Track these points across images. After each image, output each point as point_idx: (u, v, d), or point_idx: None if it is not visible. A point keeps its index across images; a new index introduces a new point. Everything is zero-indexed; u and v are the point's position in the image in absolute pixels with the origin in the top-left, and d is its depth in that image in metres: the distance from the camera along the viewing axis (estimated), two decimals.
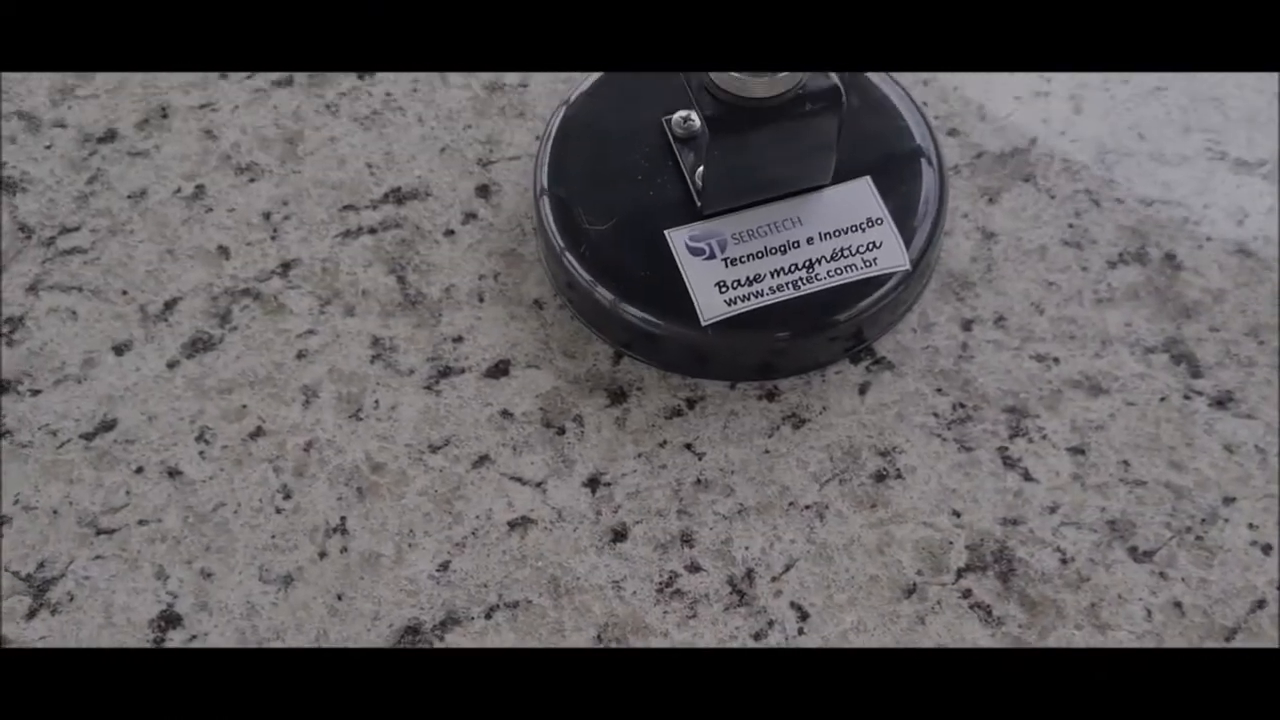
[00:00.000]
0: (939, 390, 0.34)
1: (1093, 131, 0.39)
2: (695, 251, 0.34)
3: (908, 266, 0.34)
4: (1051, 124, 0.39)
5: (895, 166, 0.36)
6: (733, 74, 0.31)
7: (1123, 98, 0.39)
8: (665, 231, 0.34)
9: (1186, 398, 0.34)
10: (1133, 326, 0.35)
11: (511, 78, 0.40)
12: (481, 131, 0.39)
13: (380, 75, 0.40)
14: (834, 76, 0.32)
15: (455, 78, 0.40)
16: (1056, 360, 0.35)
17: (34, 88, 0.40)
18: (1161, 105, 0.39)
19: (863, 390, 0.34)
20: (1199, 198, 0.37)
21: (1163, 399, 0.34)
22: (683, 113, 0.35)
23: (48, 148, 0.39)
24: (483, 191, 0.38)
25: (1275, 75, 0.40)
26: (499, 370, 0.35)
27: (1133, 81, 0.40)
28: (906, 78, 0.39)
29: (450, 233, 0.37)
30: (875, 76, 0.36)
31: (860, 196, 0.35)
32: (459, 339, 0.35)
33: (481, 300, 0.36)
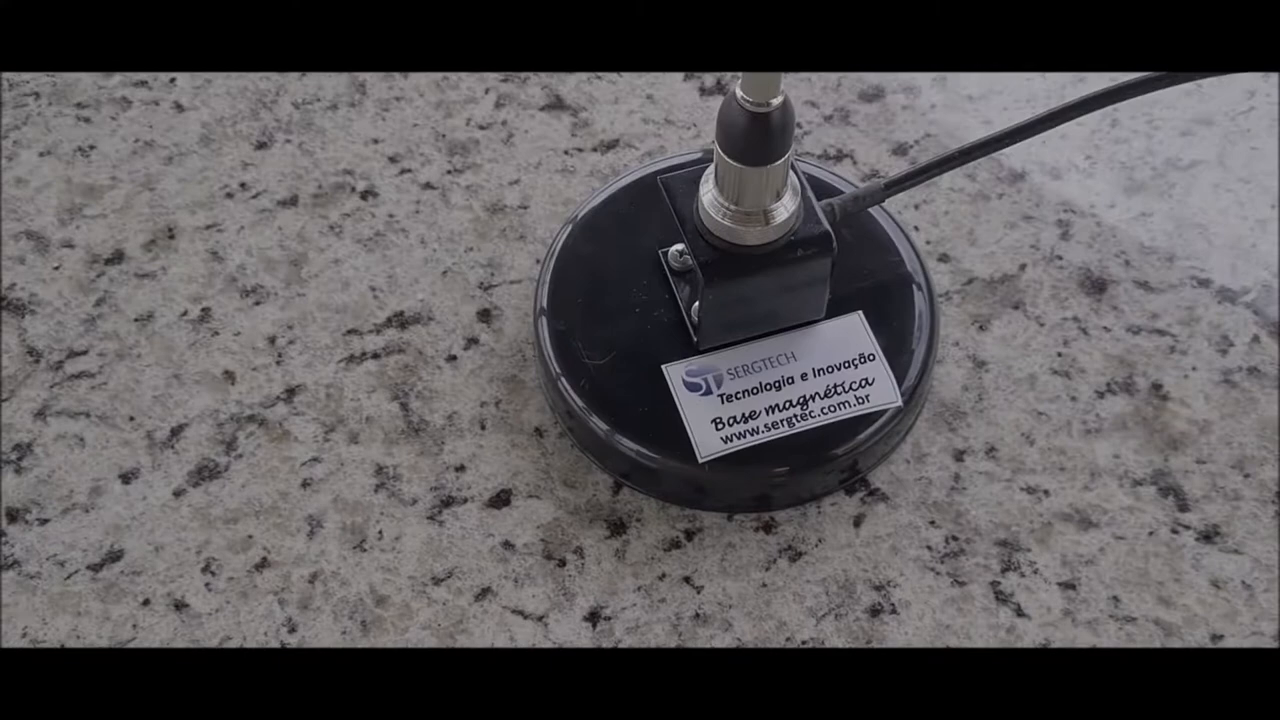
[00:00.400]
0: (932, 523, 0.35)
1: (1080, 258, 0.40)
2: (692, 387, 0.35)
3: (899, 403, 0.35)
4: (1040, 249, 0.40)
5: (887, 297, 0.36)
6: (726, 222, 0.32)
7: (1109, 223, 0.40)
8: (663, 366, 0.35)
9: (1174, 532, 0.35)
10: (1121, 458, 0.36)
11: (512, 199, 0.41)
12: (483, 254, 0.40)
13: (384, 196, 0.41)
14: (825, 223, 0.33)
15: (456, 198, 0.41)
16: (1047, 492, 0.35)
17: (42, 206, 0.41)
18: (1147, 231, 0.40)
19: (857, 523, 0.35)
20: (1184, 327, 0.38)
21: (1151, 533, 0.35)
22: (678, 246, 0.36)
23: (56, 269, 0.40)
24: (484, 316, 0.39)
25: (1258, 202, 0.41)
26: (500, 500, 0.36)
27: (1119, 206, 0.41)
28: (897, 202, 0.40)
29: (452, 358, 0.38)
30: (872, 210, 0.37)
31: (853, 332, 0.35)
32: (461, 468, 0.36)
33: (483, 428, 0.37)
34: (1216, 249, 0.40)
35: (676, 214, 0.33)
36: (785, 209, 0.32)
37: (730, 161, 0.31)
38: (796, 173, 0.33)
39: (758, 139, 0.30)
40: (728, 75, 0.44)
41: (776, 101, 0.29)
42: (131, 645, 0.33)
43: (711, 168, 0.32)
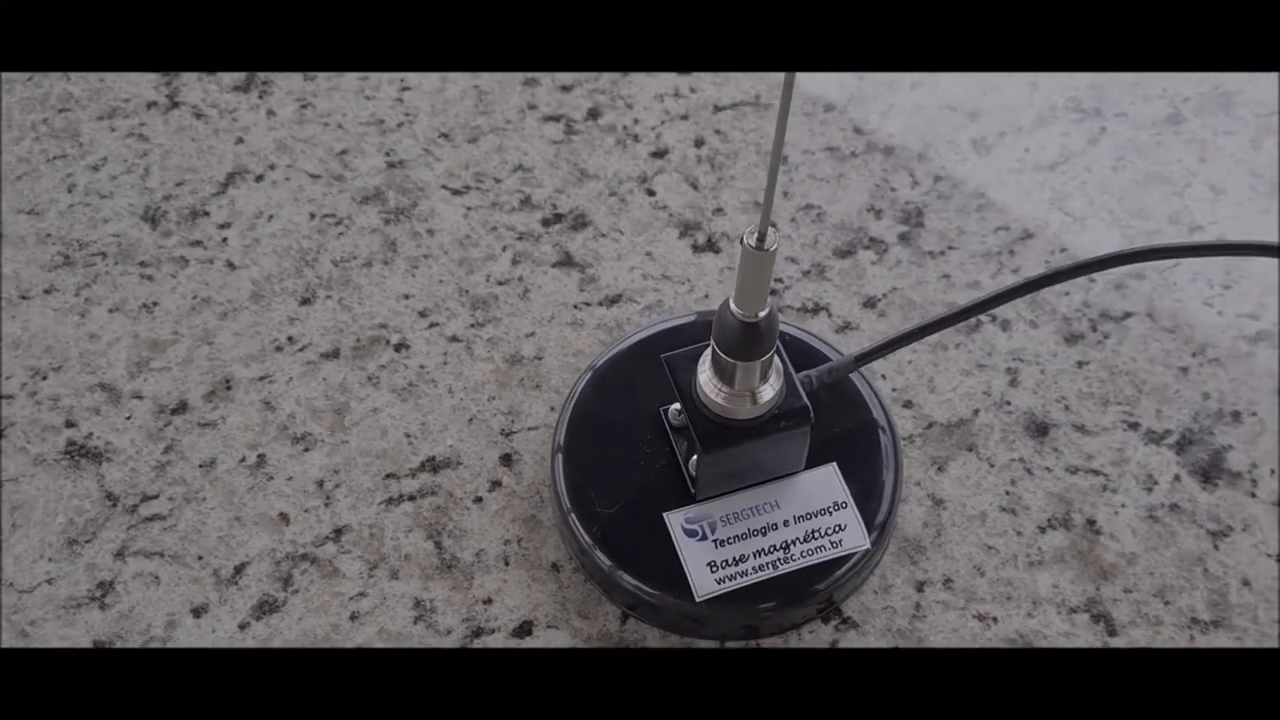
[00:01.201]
0: (896, 649, 0.41)
1: (1026, 404, 0.45)
2: (690, 533, 0.40)
3: (868, 546, 0.40)
4: (991, 395, 0.46)
5: (858, 445, 0.42)
6: (720, 400, 0.38)
7: (1052, 371, 0.46)
8: (664, 514, 0.40)
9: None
10: (1059, 588, 0.42)
11: (528, 350, 0.47)
12: (504, 403, 0.46)
13: (415, 348, 0.47)
14: (803, 397, 0.39)
15: (479, 350, 0.47)
16: (995, 619, 0.41)
17: (113, 360, 0.46)
18: (1085, 379, 0.46)
19: (832, 647, 0.41)
20: (1115, 467, 0.44)
21: None
22: (676, 406, 0.42)
23: (128, 419, 0.45)
24: (506, 460, 0.44)
25: (1181, 351, 0.46)
26: (524, 630, 0.41)
27: (1059, 355, 0.46)
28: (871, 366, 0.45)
29: (479, 500, 0.43)
30: (858, 383, 0.43)
31: (828, 482, 0.41)
32: (489, 600, 0.42)
33: (507, 564, 0.42)
34: (1144, 395, 0.46)
35: (678, 389, 0.39)
36: (770, 388, 0.38)
37: (725, 357, 0.36)
38: (780, 354, 0.38)
39: (748, 343, 0.35)
40: (719, 234, 0.49)
41: (763, 314, 0.35)
42: None
43: (708, 353, 0.38)
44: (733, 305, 0.35)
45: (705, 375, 0.38)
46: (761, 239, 0.33)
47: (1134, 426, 0.45)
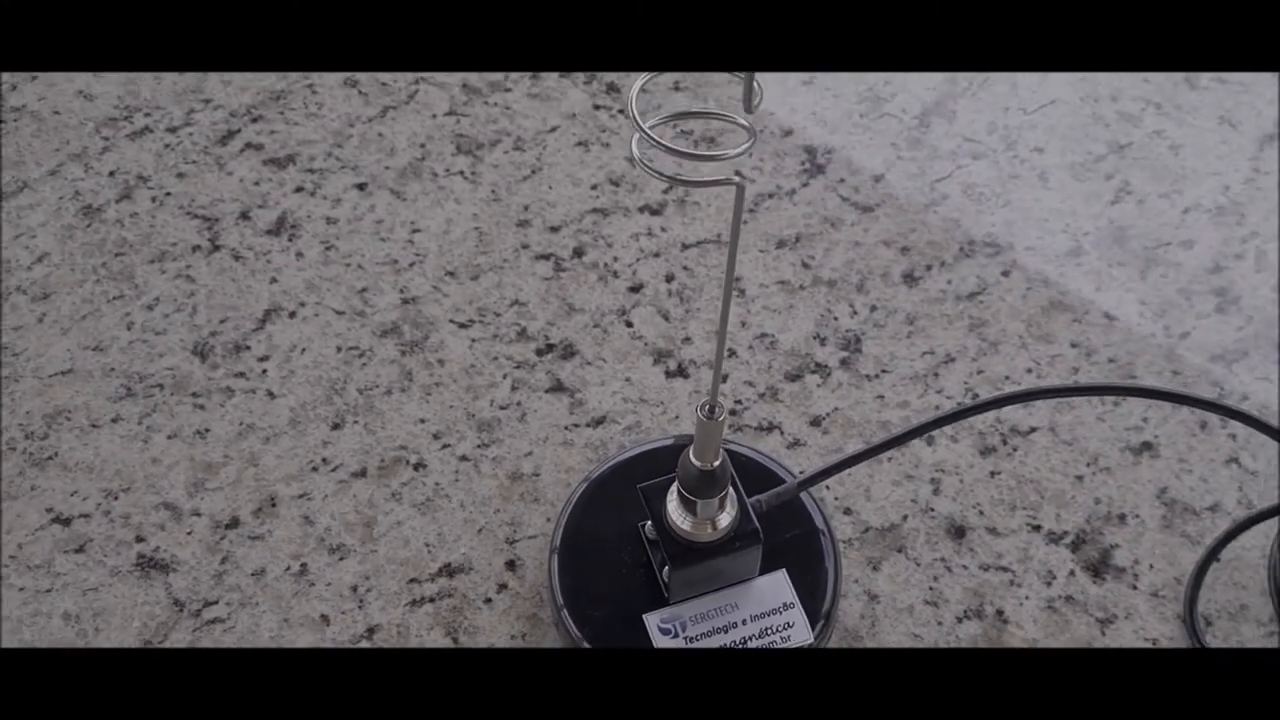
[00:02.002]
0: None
1: (947, 510, 0.54)
2: (664, 631, 0.49)
3: (812, 640, 0.49)
4: (918, 502, 0.54)
5: (805, 551, 0.51)
6: (686, 527, 0.46)
7: (969, 481, 0.55)
8: (643, 615, 0.49)
9: None
10: None
11: (527, 468, 0.55)
12: (507, 515, 0.54)
13: (431, 467, 0.55)
14: (755, 521, 0.47)
15: (485, 468, 0.55)
16: None
17: (174, 481, 0.54)
18: (996, 487, 0.55)
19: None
20: (1021, 564, 0.53)
21: None
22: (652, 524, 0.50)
23: (189, 534, 0.53)
24: (510, 566, 0.53)
25: (1077, 461, 0.55)
26: None
27: (975, 466, 0.55)
28: (813, 465, 0.54)
29: (489, 600, 0.52)
30: (803, 496, 0.51)
31: (778, 585, 0.50)
32: None
33: None
34: (1046, 500, 0.54)
35: (651, 516, 0.47)
36: (727, 515, 0.46)
37: (687, 495, 0.45)
38: (735, 486, 0.47)
39: (705, 486, 0.44)
40: (688, 361, 0.58)
41: (717, 463, 0.44)
42: None
43: (675, 489, 0.46)
44: (692, 457, 0.44)
45: (673, 505, 0.46)
46: (712, 410, 0.41)
47: (1037, 528, 0.53)
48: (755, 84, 0.32)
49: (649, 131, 0.33)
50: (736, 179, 0.34)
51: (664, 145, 0.33)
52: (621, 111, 0.66)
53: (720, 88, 0.67)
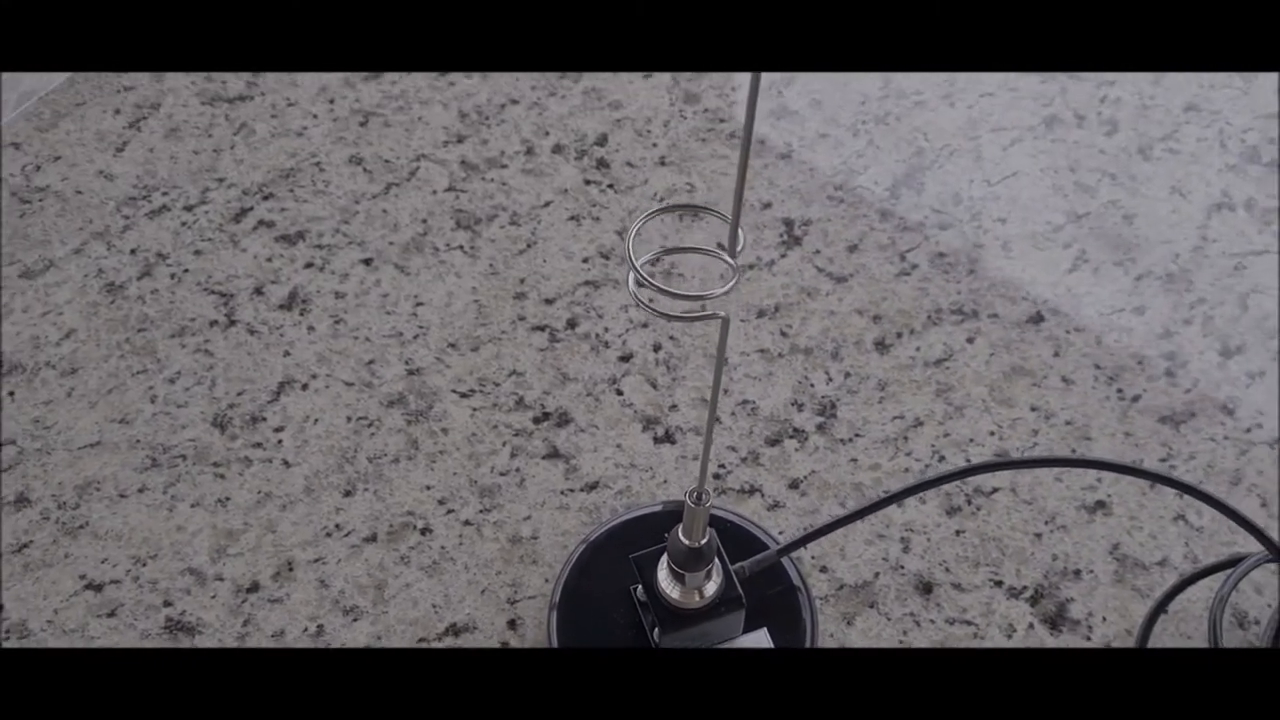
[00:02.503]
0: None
1: (915, 567, 0.58)
2: None
3: None
4: (888, 560, 0.59)
5: (784, 608, 0.55)
6: (675, 595, 0.51)
7: (936, 539, 0.59)
8: None
9: None
10: None
11: (526, 531, 0.59)
12: (508, 576, 0.58)
13: (437, 532, 0.59)
14: (738, 588, 0.51)
15: (488, 532, 0.59)
16: None
17: (198, 548, 0.59)
18: (961, 545, 0.59)
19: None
20: (984, 618, 0.57)
21: None
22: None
23: (213, 597, 0.57)
24: (511, 624, 0.57)
25: (1036, 520, 0.60)
26: None
27: (942, 526, 0.60)
28: (792, 525, 0.58)
29: None
30: (784, 560, 0.56)
31: (759, 642, 0.54)
32: None
33: None
34: (1007, 557, 0.59)
35: (643, 583, 0.51)
36: (713, 584, 0.51)
37: (676, 569, 0.49)
38: (720, 556, 0.51)
39: (693, 561, 0.48)
40: (674, 428, 0.62)
41: (704, 541, 0.48)
42: None
43: (665, 558, 0.51)
44: (681, 535, 0.48)
45: (663, 574, 0.51)
46: (699, 497, 0.46)
47: (999, 584, 0.58)
48: (739, 231, 0.36)
49: (642, 272, 0.37)
50: (721, 314, 0.38)
51: (657, 286, 0.37)
52: (611, 186, 0.71)
53: (707, 227, 0.71)
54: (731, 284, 0.37)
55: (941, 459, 0.61)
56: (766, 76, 0.73)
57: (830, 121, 0.73)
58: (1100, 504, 0.60)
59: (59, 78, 0.72)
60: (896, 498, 0.51)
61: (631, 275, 0.38)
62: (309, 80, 0.74)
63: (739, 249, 0.37)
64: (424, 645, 0.56)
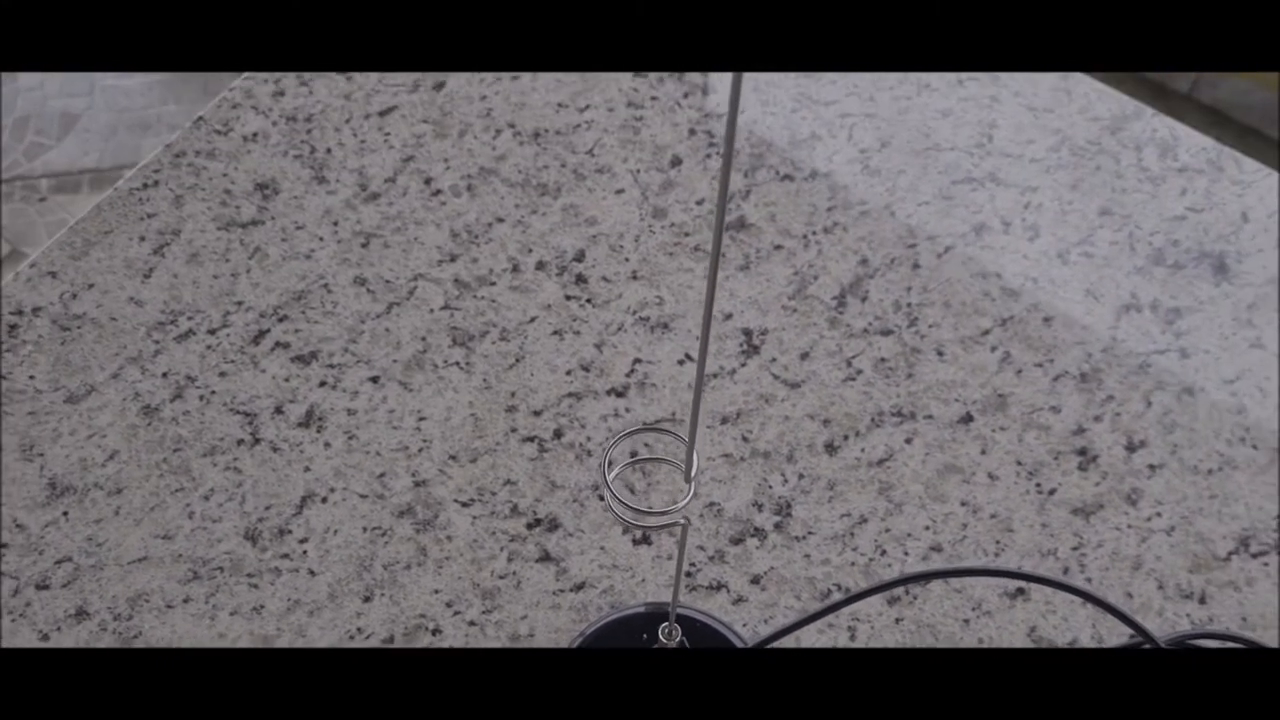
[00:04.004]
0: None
1: None
2: None
3: None
4: (838, 646, 0.68)
5: None
6: None
7: (879, 626, 0.68)
8: None
9: None
10: None
11: (524, 629, 0.68)
12: None
13: (446, 633, 0.68)
14: None
15: (490, 630, 0.68)
16: None
17: None
18: (901, 631, 0.68)
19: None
20: None
21: None
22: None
23: None
24: None
25: (963, 608, 0.69)
26: None
27: (884, 614, 0.69)
28: (757, 628, 0.67)
29: None
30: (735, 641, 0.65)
31: None
32: None
33: None
34: (939, 641, 0.68)
35: None
36: None
37: None
38: None
39: None
40: (652, 533, 0.71)
41: (674, 644, 0.57)
42: None
43: None
44: (661, 636, 0.57)
45: None
46: (670, 634, 0.55)
47: None
48: (694, 455, 0.45)
49: (613, 489, 0.46)
50: (682, 521, 0.47)
51: (624, 503, 0.46)
52: (589, 300, 0.79)
53: (675, 338, 0.80)
54: (687, 500, 0.46)
55: (883, 553, 0.71)
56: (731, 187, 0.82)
57: (783, 233, 0.82)
58: (1020, 591, 0.69)
59: (87, 203, 0.79)
60: (851, 600, 0.61)
61: (607, 493, 0.46)
62: (314, 204, 0.82)
63: (694, 472, 0.45)
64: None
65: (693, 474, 0.45)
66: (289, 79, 0.87)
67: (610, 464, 0.45)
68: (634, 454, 0.74)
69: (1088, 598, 0.59)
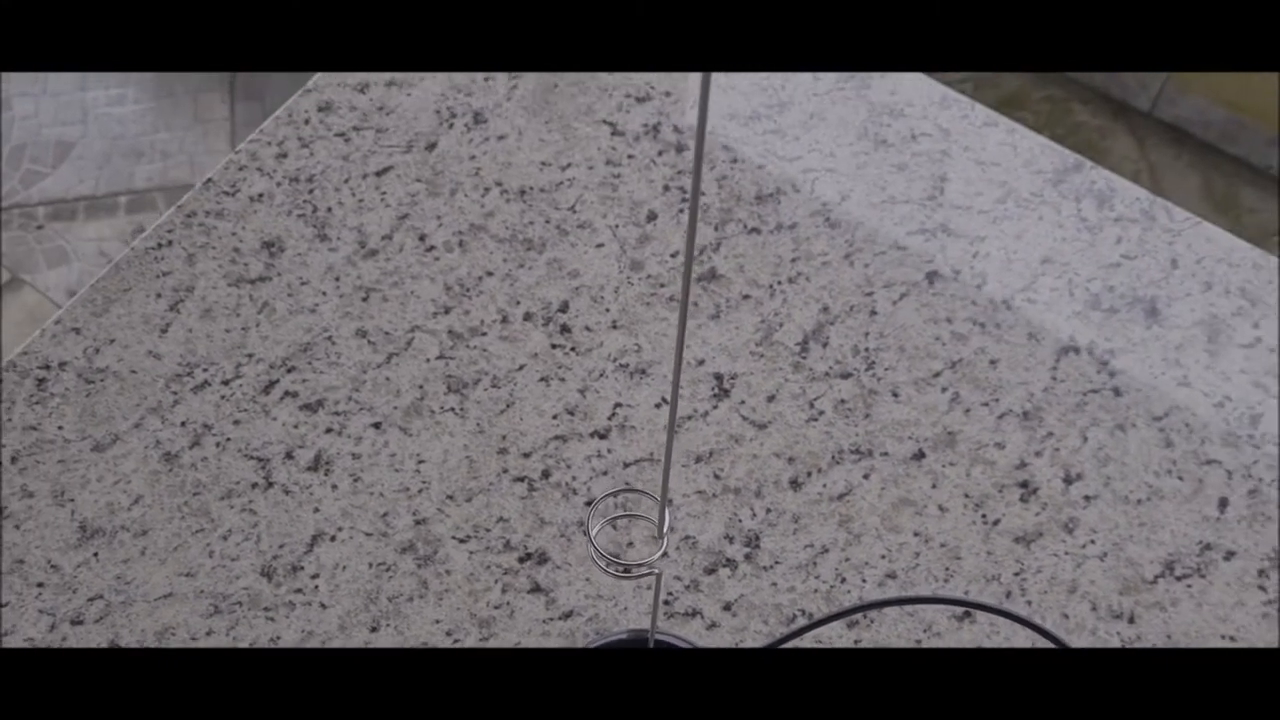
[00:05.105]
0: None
1: None
2: None
3: None
4: None
5: None
6: None
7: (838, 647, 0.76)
8: None
9: None
10: None
11: None
12: None
13: None
14: None
15: None
16: None
17: None
18: None
19: None
20: None
21: None
22: None
23: None
24: None
25: (916, 630, 0.76)
26: None
27: (843, 637, 0.76)
28: None
29: None
30: None
31: None
32: None
33: None
34: None
35: None
36: None
37: None
38: None
39: None
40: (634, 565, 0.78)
41: None
42: None
43: None
44: None
45: None
46: None
47: None
48: (667, 513, 0.52)
49: (595, 544, 0.53)
50: (655, 571, 0.54)
51: (605, 556, 0.53)
52: (573, 349, 0.86)
53: (652, 382, 0.87)
54: (660, 552, 0.53)
55: (843, 580, 0.78)
56: (698, 241, 0.88)
57: (751, 283, 0.89)
58: (967, 614, 0.77)
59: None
60: (817, 624, 0.68)
61: (591, 549, 0.53)
62: (317, 261, 0.89)
63: (666, 531, 0.52)
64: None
65: (665, 530, 0.52)
66: (291, 142, 0.94)
67: (593, 517, 0.51)
68: (616, 497, 0.81)
69: (1018, 620, 0.66)
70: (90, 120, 2.24)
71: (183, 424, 0.83)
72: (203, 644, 0.75)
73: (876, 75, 0.98)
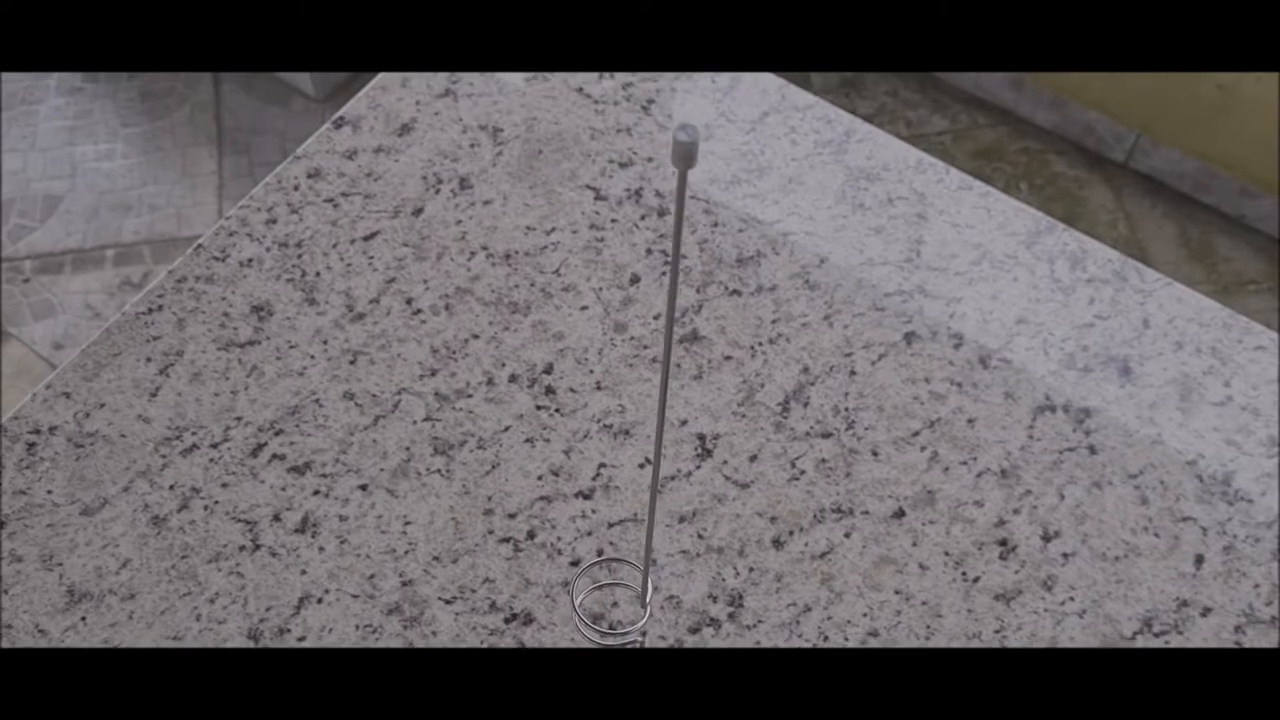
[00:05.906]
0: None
1: None
2: None
3: None
4: None
5: None
6: None
7: None
8: None
9: None
10: None
11: None
12: None
13: None
14: None
15: None
16: None
17: None
18: None
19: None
20: None
21: None
22: None
23: None
24: None
25: None
26: None
27: None
28: None
29: None
30: None
31: None
32: None
33: None
34: None
35: None
36: None
37: None
38: None
39: None
40: (616, 623, 0.79)
41: None
42: None
43: None
44: None
45: None
46: None
47: None
48: (649, 583, 0.53)
49: (579, 613, 0.54)
50: (638, 639, 0.55)
51: (590, 625, 0.54)
52: (558, 410, 0.87)
53: (636, 443, 0.88)
54: (643, 621, 0.54)
55: (825, 639, 0.79)
56: (679, 304, 0.90)
57: (733, 344, 0.90)
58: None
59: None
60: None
61: (575, 618, 0.54)
62: (305, 325, 0.90)
63: (648, 597, 0.53)
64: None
65: (647, 600, 0.53)
66: (280, 208, 0.96)
67: (577, 585, 0.52)
68: (600, 555, 0.82)
69: None
70: (78, 174, 2.25)
71: (171, 487, 0.84)
72: None
73: (854, 140, 1.00)
